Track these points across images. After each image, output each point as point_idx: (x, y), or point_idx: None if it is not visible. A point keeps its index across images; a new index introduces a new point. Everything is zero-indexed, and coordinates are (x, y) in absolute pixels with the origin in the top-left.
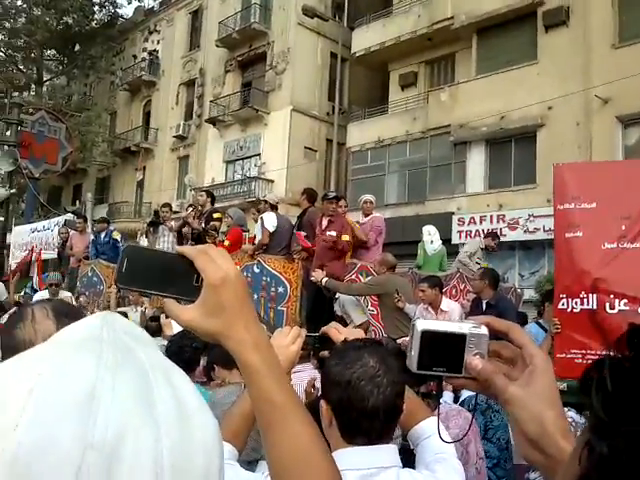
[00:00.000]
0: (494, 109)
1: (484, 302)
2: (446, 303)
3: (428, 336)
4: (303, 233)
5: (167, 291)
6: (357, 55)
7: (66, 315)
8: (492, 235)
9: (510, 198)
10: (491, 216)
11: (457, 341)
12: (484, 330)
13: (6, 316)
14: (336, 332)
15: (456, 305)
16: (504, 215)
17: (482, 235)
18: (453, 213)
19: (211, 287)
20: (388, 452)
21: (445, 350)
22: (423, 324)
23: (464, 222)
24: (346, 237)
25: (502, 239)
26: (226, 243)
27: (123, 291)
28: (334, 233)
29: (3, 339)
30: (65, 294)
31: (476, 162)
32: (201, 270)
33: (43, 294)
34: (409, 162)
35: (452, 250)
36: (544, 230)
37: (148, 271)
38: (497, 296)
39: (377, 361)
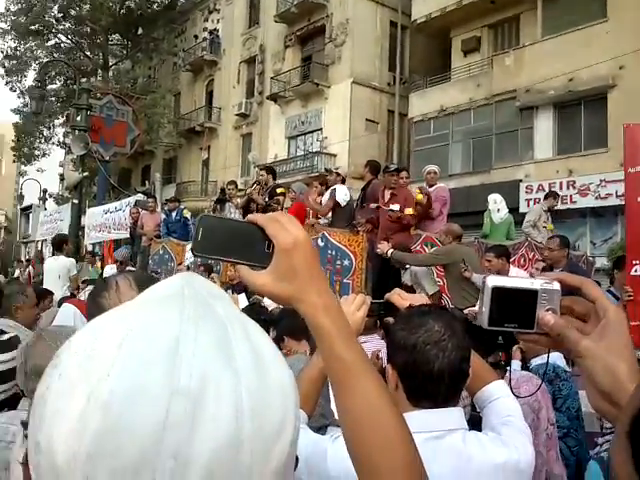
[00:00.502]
0: (562, 71)
1: (556, 271)
2: (514, 272)
3: (499, 292)
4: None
5: (240, 258)
6: (417, 22)
7: (147, 285)
8: (551, 195)
9: (580, 163)
10: (560, 182)
11: (529, 297)
12: (556, 286)
13: (88, 288)
14: (399, 298)
15: (525, 274)
16: (574, 181)
17: (542, 200)
18: (521, 181)
19: (282, 252)
20: (454, 415)
21: (517, 306)
22: (494, 280)
23: (532, 190)
24: (409, 210)
25: (573, 206)
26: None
27: (192, 268)
28: (397, 207)
29: (90, 307)
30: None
31: (544, 127)
32: (272, 236)
33: (111, 268)
34: (473, 130)
35: (520, 219)
36: (616, 196)
37: (221, 239)
38: (569, 264)
39: (442, 326)
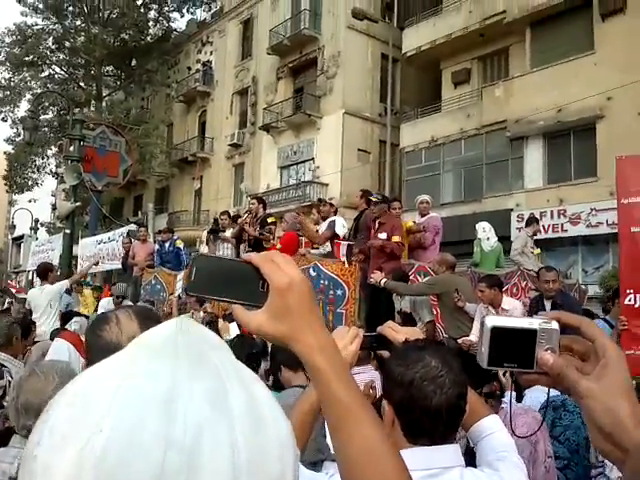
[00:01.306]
0: (551, 102)
1: (547, 301)
2: (507, 301)
3: (498, 332)
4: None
5: (235, 297)
6: (408, 55)
7: (147, 317)
8: (531, 220)
9: (571, 192)
10: (551, 211)
11: (528, 337)
12: (555, 325)
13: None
14: (392, 331)
15: (518, 303)
16: (565, 210)
17: (524, 227)
18: (512, 210)
19: (277, 292)
20: (451, 452)
21: (516, 346)
22: (493, 320)
23: (523, 218)
24: (396, 238)
25: (564, 234)
26: (278, 246)
27: (184, 297)
28: (384, 235)
29: (90, 341)
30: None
31: (534, 157)
32: (267, 276)
33: (107, 302)
34: (464, 160)
35: (510, 248)
36: (607, 224)
37: (216, 279)
38: (561, 293)
39: (439, 361)
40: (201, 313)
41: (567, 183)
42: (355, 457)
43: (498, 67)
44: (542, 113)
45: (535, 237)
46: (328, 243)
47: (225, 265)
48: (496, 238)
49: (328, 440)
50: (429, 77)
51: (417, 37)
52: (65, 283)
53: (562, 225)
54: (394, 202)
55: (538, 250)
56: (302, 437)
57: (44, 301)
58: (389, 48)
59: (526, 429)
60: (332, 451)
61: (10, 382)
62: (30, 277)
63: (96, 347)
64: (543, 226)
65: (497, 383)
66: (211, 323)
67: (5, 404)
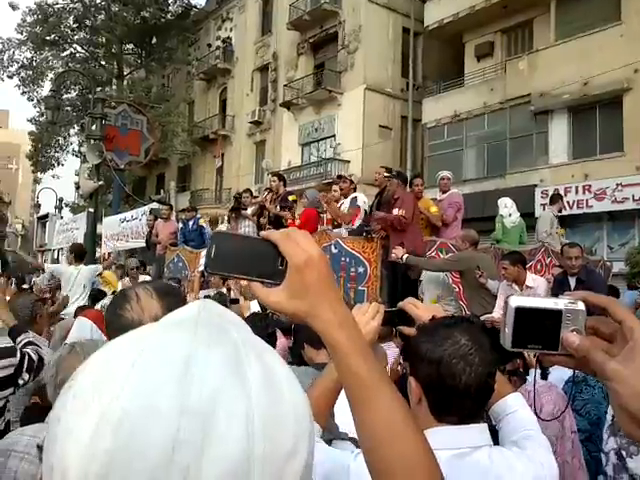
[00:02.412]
0: (576, 75)
1: (571, 278)
2: (531, 278)
3: (522, 313)
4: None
5: (253, 275)
6: (430, 28)
7: (168, 294)
8: (555, 197)
9: (596, 167)
10: (576, 187)
11: (553, 317)
12: (581, 306)
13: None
14: (412, 307)
15: (542, 280)
16: (590, 185)
17: (548, 205)
18: (536, 185)
19: (295, 269)
20: (479, 431)
21: (540, 327)
22: (517, 301)
23: (548, 194)
24: (400, 211)
25: (589, 210)
26: (297, 222)
27: (207, 275)
28: (396, 211)
29: (111, 320)
30: (144, 278)
31: (559, 131)
32: (285, 253)
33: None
34: (487, 135)
35: (534, 224)
36: (633, 200)
37: (235, 256)
38: (585, 270)
39: (469, 339)
40: (224, 289)
41: (592, 158)
42: (375, 433)
43: (522, 40)
44: (567, 86)
45: (560, 214)
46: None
47: (244, 243)
48: (518, 214)
49: (337, 419)
50: (451, 51)
51: (439, 10)
52: (99, 267)
53: (587, 201)
54: (416, 179)
55: (562, 230)
56: (323, 413)
57: (80, 281)
58: (411, 21)
59: (552, 406)
60: (340, 430)
61: (39, 360)
62: (55, 255)
63: (117, 325)
64: (568, 202)
65: (521, 360)
66: (234, 300)
67: (21, 381)
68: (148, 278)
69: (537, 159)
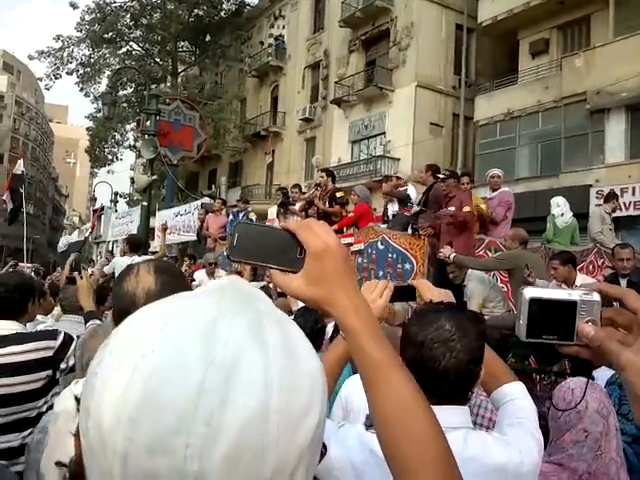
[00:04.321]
0: (634, 72)
1: (622, 279)
2: (582, 279)
3: (537, 304)
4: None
5: (273, 263)
6: (484, 25)
7: (165, 271)
8: (610, 196)
9: None
10: (633, 187)
11: (568, 308)
12: (596, 297)
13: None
14: (425, 288)
15: (592, 281)
16: None
17: (602, 203)
18: (591, 186)
19: (314, 257)
20: (457, 413)
21: (555, 318)
22: (531, 292)
23: (603, 195)
24: (467, 208)
25: None
26: (350, 215)
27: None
28: (453, 209)
29: (113, 289)
30: (220, 272)
31: (616, 130)
32: (303, 242)
33: (201, 274)
34: (541, 133)
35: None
36: None
37: (257, 245)
38: (637, 271)
39: (453, 325)
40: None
41: None
42: (388, 413)
43: (579, 36)
44: (625, 84)
45: (615, 214)
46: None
47: (265, 232)
48: (571, 214)
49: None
50: (505, 48)
51: (493, 6)
52: (152, 257)
53: None
54: (463, 177)
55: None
56: (331, 379)
57: None
58: (464, 18)
59: (597, 403)
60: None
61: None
62: (110, 247)
63: (115, 294)
64: (624, 203)
65: (568, 362)
66: (282, 294)
67: (63, 365)
68: (223, 273)
69: (592, 158)
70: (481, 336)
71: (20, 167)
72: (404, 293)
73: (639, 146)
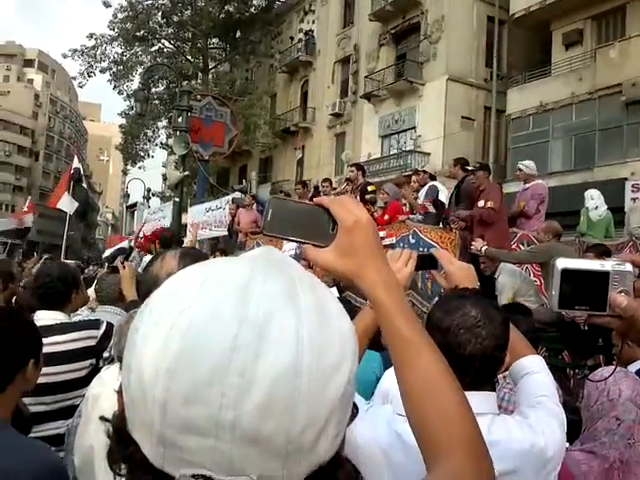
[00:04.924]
0: None
1: None
2: None
3: (569, 274)
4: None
5: (306, 237)
6: (516, 16)
7: (189, 256)
8: None
9: None
10: None
11: (600, 279)
12: (629, 267)
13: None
14: (448, 261)
15: None
16: None
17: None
18: (626, 179)
19: (345, 230)
20: (483, 399)
21: (588, 288)
22: (563, 262)
23: (639, 188)
24: (488, 204)
25: None
26: (386, 217)
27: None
28: (482, 203)
29: (143, 274)
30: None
31: None
32: (336, 215)
33: None
34: (575, 126)
35: (624, 219)
36: None
37: (290, 220)
38: None
39: (479, 312)
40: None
41: None
42: (416, 387)
43: (614, 27)
44: None
45: None
46: (431, 207)
47: (298, 208)
48: (605, 207)
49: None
50: (538, 39)
51: None
52: None
53: None
54: (478, 171)
55: None
56: (361, 346)
57: None
58: (495, 10)
59: (630, 391)
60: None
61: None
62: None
63: (144, 278)
64: None
65: (602, 356)
66: None
67: (106, 354)
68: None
69: (628, 151)
70: (505, 322)
71: (76, 163)
72: (427, 262)
73: None
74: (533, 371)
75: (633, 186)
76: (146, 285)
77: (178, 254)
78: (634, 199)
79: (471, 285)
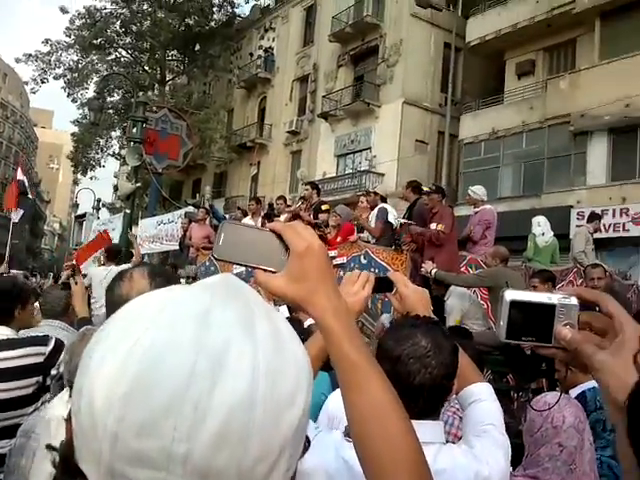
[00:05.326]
0: (618, 96)
1: None
2: None
3: (517, 306)
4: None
5: (258, 263)
6: (472, 45)
7: (159, 275)
8: (593, 216)
9: (634, 191)
10: (613, 210)
11: (546, 311)
12: (574, 300)
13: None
14: (402, 285)
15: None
16: (627, 209)
17: (585, 223)
18: (572, 207)
19: (296, 256)
20: (430, 428)
21: (534, 320)
22: (512, 294)
23: (584, 216)
24: (440, 226)
25: (625, 234)
26: (338, 239)
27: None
28: (433, 225)
29: (107, 294)
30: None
31: (598, 153)
32: (288, 241)
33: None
34: (525, 154)
35: (569, 245)
36: None
37: (242, 245)
38: (611, 291)
39: (429, 342)
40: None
41: (631, 181)
42: (363, 413)
43: (564, 59)
44: (609, 107)
45: (595, 235)
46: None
47: (251, 233)
48: (552, 233)
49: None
50: (492, 67)
51: (482, 26)
52: (129, 266)
53: (624, 224)
54: (432, 194)
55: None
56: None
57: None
58: (452, 37)
59: (573, 418)
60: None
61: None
62: None
63: (110, 300)
64: (604, 225)
65: (545, 380)
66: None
67: (54, 371)
68: (182, 281)
69: (574, 180)
70: (455, 351)
71: (20, 175)
72: (383, 284)
73: (620, 169)
74: (480, 399)
75: (578, 214)
76: (115, 308)
77: (147, 273)
78: (579, 226)
79: (424, 310)
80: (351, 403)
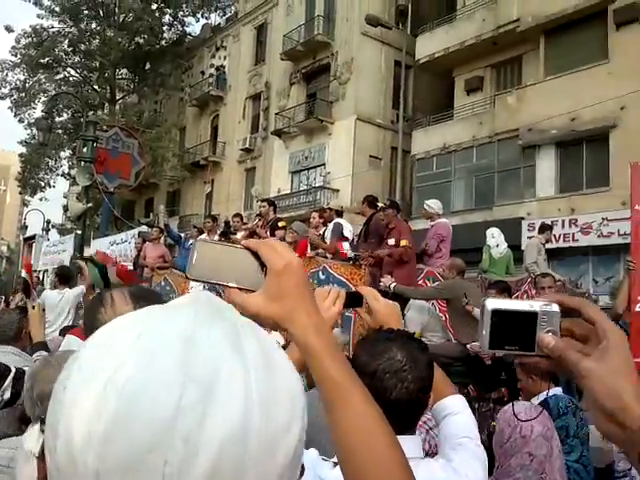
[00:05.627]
0: (564, 111)
1: None
2: None
3: (499, 315)
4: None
5: (233, 282)
6: (421, 62)
7: (142, 298)
8: (544, 227)
9: (582, 202)
10: (563, 221)
11: (528, 319)
12: (555, 308)
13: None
14: (373, 299)
15: None
16: (576, 219)
17: (536, 234)
18: (523, 218)
19: (274, 274)
20: (407, 443)
21: (517, 329)
22: (493, 303)
23: (534, 227)
24: (404, 242)
25: (574, 244)
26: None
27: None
28: (393, 241)
29: (88, 322)
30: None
31: (546, 166)
32: (265, 259)
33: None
34: (476, 167)
35: (521, 256)
36: (619, 234)
37: (216, 264)
38: None
39: (405, 355)
40: None
41: (579, 192)
42: (347, 433)
43: (511, 75)
44: (555, 122)
45: (546, 245)
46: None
47: (225, 251)
48: (505, 245)
49: None
50: (442, 84)
51: (430, 44)
52: (82, 288)
53: (573, 235)
54: (387, 209)
55: None
56: None
57: (64, 306)
58: (402, 55)
59: (542, 427)
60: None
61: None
62: (40, 277)
63: (92, 327)
64: (554, 235)
65: (506, 389)
66: None
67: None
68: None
69: (524, 192)
70: (430, 364)
71: None
72: (354, 300)
73: (568, 181)
74: (454, 412)
75: (529, 225)
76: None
77: (128, 296)
78: (530, 237)
79: (396, 323)
80: (335, 420)
